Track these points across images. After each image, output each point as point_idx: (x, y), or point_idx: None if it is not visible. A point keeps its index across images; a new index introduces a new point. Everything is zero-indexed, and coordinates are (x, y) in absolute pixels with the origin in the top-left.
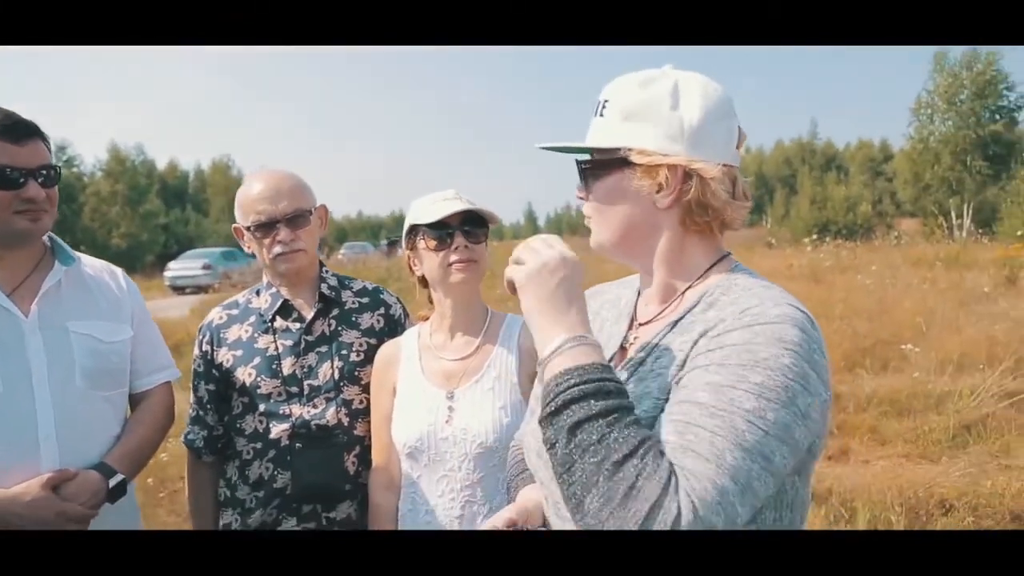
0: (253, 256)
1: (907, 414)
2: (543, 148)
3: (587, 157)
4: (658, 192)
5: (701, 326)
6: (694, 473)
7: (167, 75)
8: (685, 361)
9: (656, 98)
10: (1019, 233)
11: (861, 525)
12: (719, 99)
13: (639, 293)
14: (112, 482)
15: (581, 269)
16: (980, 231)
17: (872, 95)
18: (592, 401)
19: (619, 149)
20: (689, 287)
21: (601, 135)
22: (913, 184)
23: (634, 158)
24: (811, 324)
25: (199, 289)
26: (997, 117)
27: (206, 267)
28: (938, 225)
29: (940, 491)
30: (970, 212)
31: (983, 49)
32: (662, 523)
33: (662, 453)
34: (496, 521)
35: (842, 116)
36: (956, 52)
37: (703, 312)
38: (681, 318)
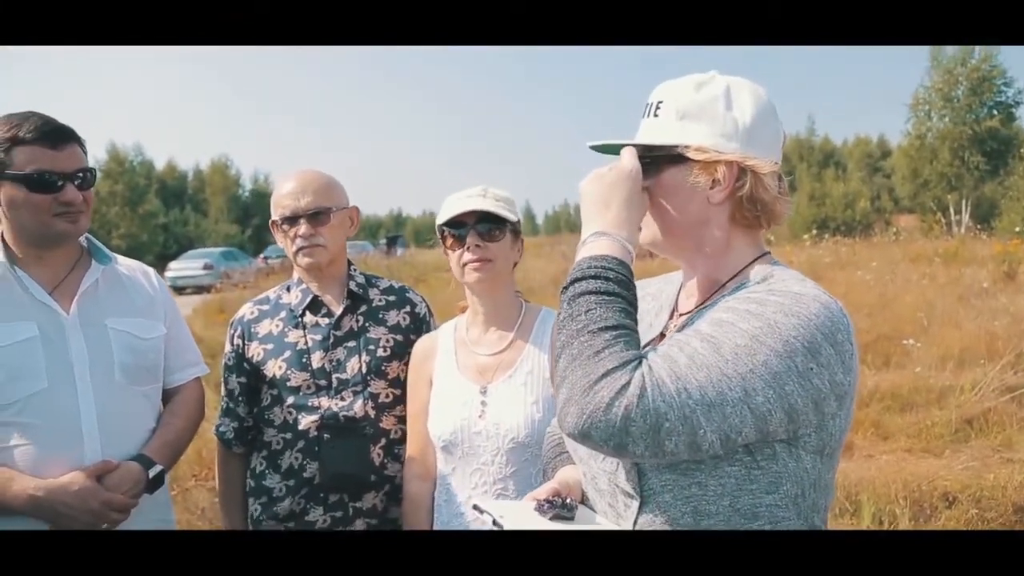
0: (254, 256)
1: (909, 409)
2: (593, 147)
3: (647, 158)
4: (712, 188)
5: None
6: (660, 367)
7: (164, 75)
8: None
9: (710, 99)
10: (1017, 229)
11: (866, 518)
12: (767, 101)
13: (681, 287)
14: (151, 472)
15: (632, 176)
16: (978, 227)
17: (868, 91)
18: (591, 281)
19: (676, 146)
20: (730, 279)
21: (657, 133)
22: (911, 180)
23: (691, 154)
24: (840, 312)
25: (200, 289)
26: (994, 113)
27: (207, 267)
28: (936, 221)
29: (944, 484)
30: (968, 208)
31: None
32: (609, 388)
33: (638, 345)
34: (540, 492)
35: (839, 112)
36: (951, 48)
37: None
38: (716, 304)
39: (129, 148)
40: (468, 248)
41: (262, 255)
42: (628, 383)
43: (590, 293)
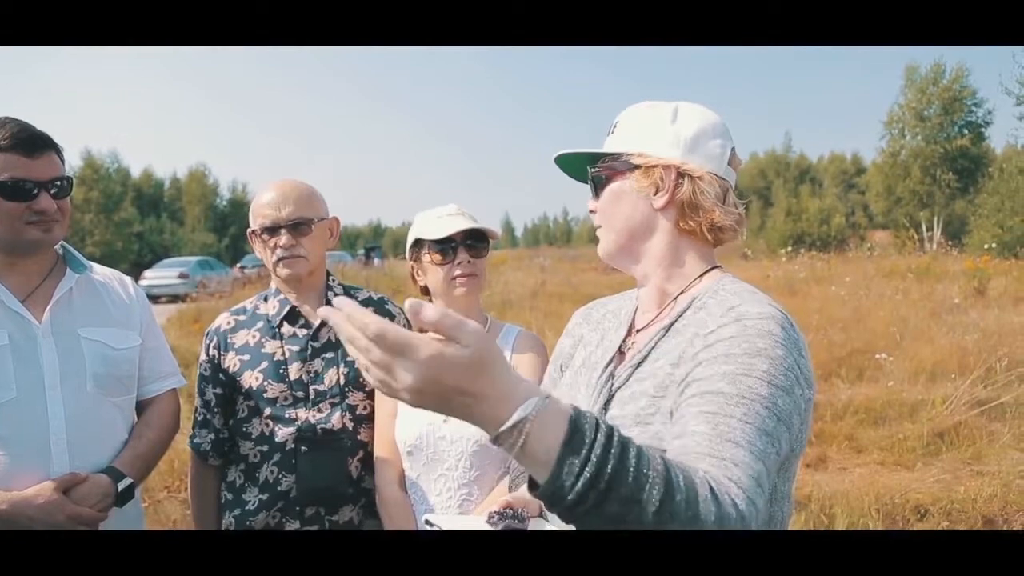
0: (230, 266)
1: (882, 422)
2: (559, 156)
3: (597, 168)
4: (655, 193)
5: (692, 328)
6: (735, 462)
7: (143, 82)
8: (679, 360)
9: (659, 115)
10: (987, 246)
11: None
12: (714, 122)
13: (637, 304)
14: (121, 486)
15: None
16: (949, 243)
17: (843, 109)
18: (604, 472)
19: (622, 155)
20: (681, 292)
21: (609, 146)
22: (885, 197)
23: (635, 160)
24: (791, 326)
25: (175, 298)
26: (964, 132)
27: (182, 276)
28: (909, 237)
29: (916, 497)
30: (940, 225)
31: (949, 64)
32: (731, 526)
33: (681, 468)
34: (493, 504)
35: (814, 130)
36: (925, 66)
37: (693, 314)
38: (674, 322)
39: (105, 155)
40: (459, 263)
41: (238, 265)
42: (735, 510)
43: (612, 486)
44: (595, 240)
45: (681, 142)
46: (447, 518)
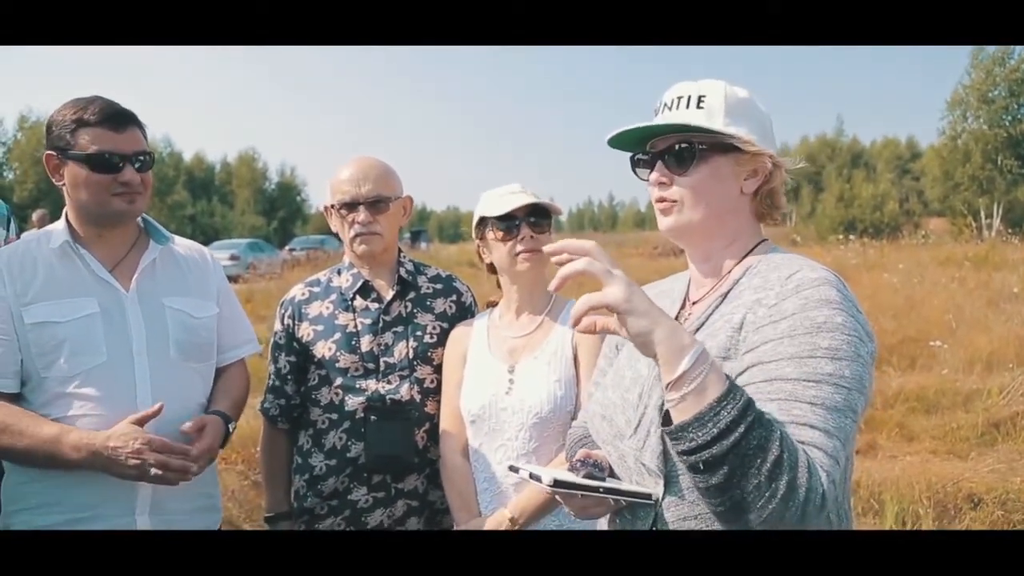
0: (280, 248)
1: (935, 411)
2: (649, 125)
3: (702, 142)
4: (745, 179)
5: (750, 293)
6: (815, 445)
7: (195, 69)
8: (742, 324)
9: (748, 101)
10: None
11: (890, 517)
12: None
13: (689, 281)
14: (230, 427)
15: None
16: (1010, 231)
17: (897, 92)
18: (748, 418)
19: (731, 136)
20: (736, 264)
21: (710, 122)
22: (942, 182)
23: (743, 146)
24: (844, 285)
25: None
26: None
27: (233, 258)
28: (966, 225)
29: (969, 486)
30: (1000, 212)
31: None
32: (814, 504)
33: (790, 438)
34: (574, 456)
35: (868, 113)
36: (992, 47)
37: (749, 280)
38: (729, 290)
39: (158, 139)
40: (521, 239)
41: (287, 247)
42: (823, 490)
43: (752, 428)
44: (640, 224)
45: (768, 133)
46: (532, 467)
